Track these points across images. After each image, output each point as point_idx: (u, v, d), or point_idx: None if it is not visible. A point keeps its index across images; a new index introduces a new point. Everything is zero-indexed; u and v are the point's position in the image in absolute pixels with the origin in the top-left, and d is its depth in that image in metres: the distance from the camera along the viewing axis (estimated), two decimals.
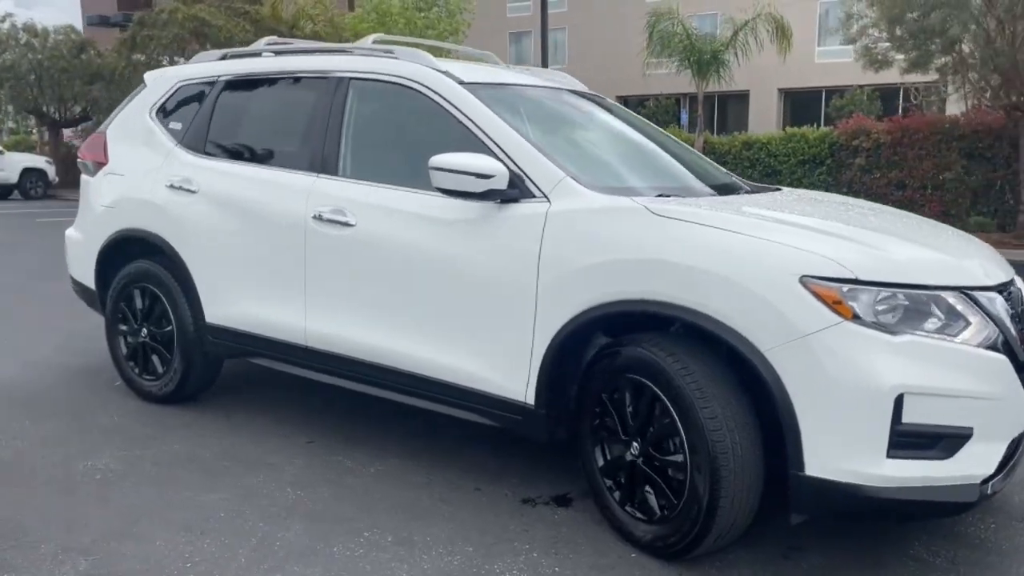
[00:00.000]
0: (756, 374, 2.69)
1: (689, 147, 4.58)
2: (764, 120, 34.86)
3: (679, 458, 2.83)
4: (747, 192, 3.91)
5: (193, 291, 4.25)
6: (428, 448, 3.96)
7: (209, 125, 4.36)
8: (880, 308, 2.64)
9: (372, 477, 3.64)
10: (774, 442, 2.75)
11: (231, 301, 4.12)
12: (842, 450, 2.61)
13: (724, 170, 4.43)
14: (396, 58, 3.86)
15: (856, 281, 2.64)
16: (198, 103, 4.44)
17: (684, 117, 37.71)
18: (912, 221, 3.57)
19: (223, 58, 4.61)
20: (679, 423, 2.81)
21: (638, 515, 3.02)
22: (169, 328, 4.41)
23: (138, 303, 4.54)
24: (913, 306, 2.67)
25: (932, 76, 14.08)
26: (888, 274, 2.70)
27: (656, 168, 4.01)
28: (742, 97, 36.71)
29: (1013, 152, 12.94)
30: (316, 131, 3.91)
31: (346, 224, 3.64)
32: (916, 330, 2.64)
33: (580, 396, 3.19)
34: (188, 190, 4.24)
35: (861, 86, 29.41)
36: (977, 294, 2.77)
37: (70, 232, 5.01)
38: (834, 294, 2.63)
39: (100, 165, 4.74)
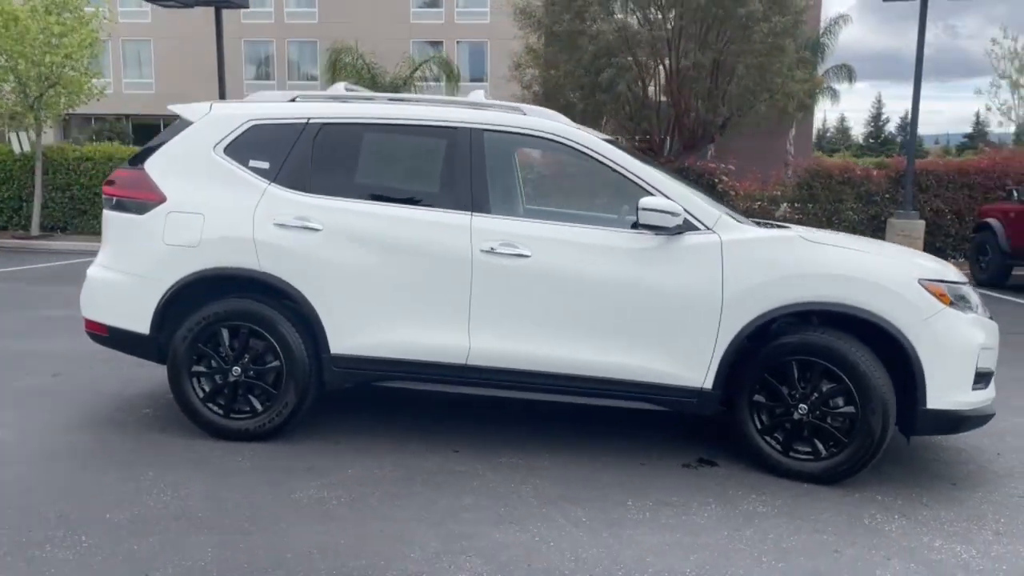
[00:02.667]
0: (897, 345, 4.06)
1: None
2: None
3: (851, 409, 4.09)
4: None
5: (314, 324, 4.41)
6: (577, 444, 4.68)
7: (311, 165, 4.53)
8: (955, 297, 4.19)
9: (561, 469, 4.30)
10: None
11: (367, 331, 4.40)
12: (949, 389, 4.10)
13: None
14: (525, 114, 4.57)
15: (943, 281, 4.17)
16: (284, 143, 4.56)
17: None
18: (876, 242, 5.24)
19: (293, 100, 4.76)
20: (852, 386, 4.07)
21: (802, 457, 4.21)
22: (274, 364, 4.47)
23: (228, 342, 4.49)
24: (962, 294, 4.26)
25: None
26: (948, 276, 4.27)
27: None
28: None
29: None
30: (459, 175, 4.42)
31: (520, 255, 4.27)
32: (969, 309, 4.23)
33: (743, 378, 4.27)
34: (309, 228, 4.40)
35: None
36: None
37: (101, 274, 4.65)
38: (939, 289, 4.13)
39: (148, 202, 4.55)
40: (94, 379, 5.84)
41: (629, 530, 3.60)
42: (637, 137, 15.80)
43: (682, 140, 16.69)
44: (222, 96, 16.37)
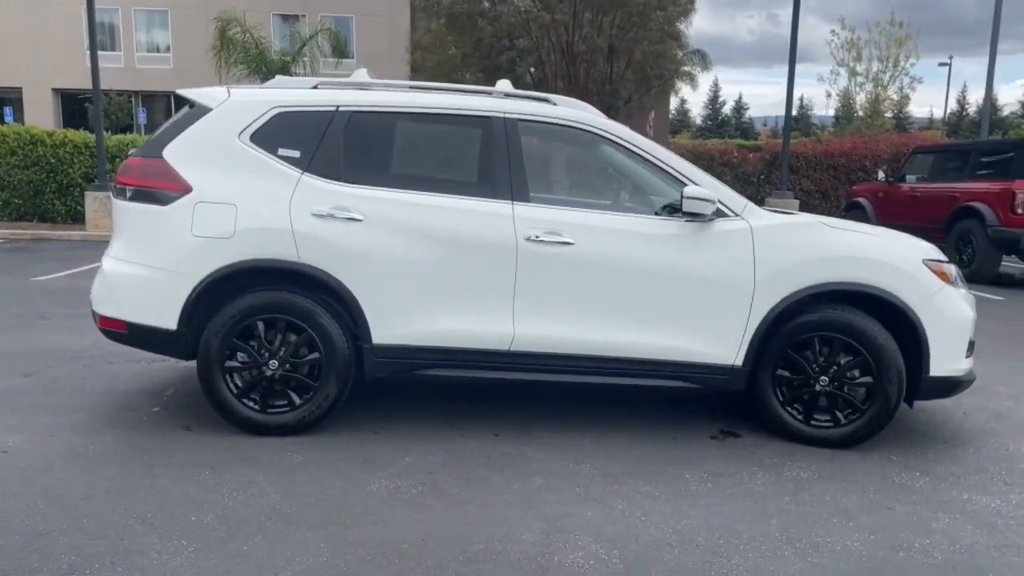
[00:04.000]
0: (906, 319, 4.49)
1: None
2: None
3: (869, 379, 4.49)
4: None
5: (356, 314, 4.39)
6: (606, 422, 4.86)
7: (344, 154, 4.48)
8: (952, 275, 4.66)
9: (604, 447, 4.49)
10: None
11: (410, 320, 4.42)
12: (948, 357, 4.58)
13: None
14: (555, 104, 4.69)
15: (941, 261, 4.64)
16: (314, 131, 4.48)
17: (143, 116, 36.37)
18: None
19: (315, 87, 4.67)
20: (870, 358, 4.47)
21: (824, 425, 4.59)
22: (314, 356, 4.42)
23: (263, 336, 4.39)
24: (955, 273, 4.74)
25: None
26: (942, 256, 4.74)
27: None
28: None
29: None
30: (498, 163, 4.49)
31: (565, 243, 4.40)
32: (960, 286, 4.72)
33: (768, 354, 4.59)
34: (350, 218, 4.35)
35: None
36: None
37: (120, 268, 4.42)
38: (941, 268, 4.59)
39: (172, 192, 4.36)
40: (74, 378, 5.52)
41: (703, 500, 3.84)
42: None
43: None
44: (95, 68, 15.44)
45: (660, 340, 4.50)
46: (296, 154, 4.46)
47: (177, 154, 4.43)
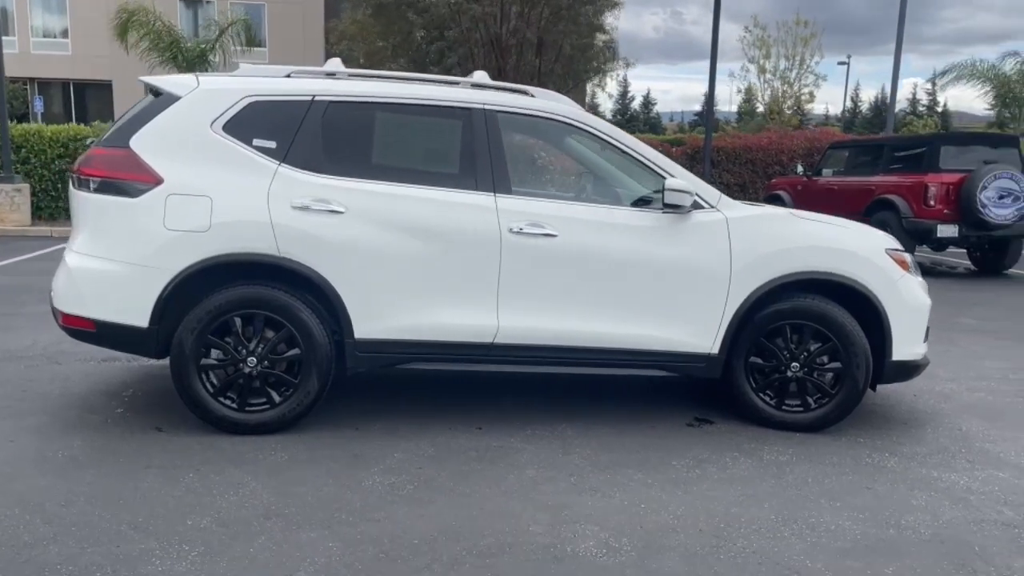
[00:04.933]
0: (871, 307, 4.67)
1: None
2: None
3: (838, 365, 4.66)
4: None
5: (337, 309, 4.30)
6: (582, 412, 4.89)
7: (322, 144, 4.38)
8: (910, 264, 4.87)
9: (588, 437, 4.53)
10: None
11: (392, 314, 4.36)
12: (909, 342, 4.79)
13: None
14: (533, 96, 4.69)
15: (900, 250, 4.84)
16: (290, 121, 4.37)
17: (39, 105, 34.70)
18: None
19: (288, 76, 4.55)
20: (839, 344, 4.63)
21: (795, 410, 4.74)
22: (294, 352, 4.31)
23: (241, 332, 4.27)
24: (912, 261, 4.96)
25: None
26: (900, 246, 4.96)
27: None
28: (104, 86, 35.42)
29: None
30: (479, 155, 4.46)
31: (548, 235, 4.41)
32: (917, 274, 4.94)
33: (742, 342, 4.70)
34: (331, 210, 4.26)
35: None
36: None
37: (85, 263, 4.21)
38: (901, 257, 4.79)
39: (141, 184, 4.18)
40: (20, 379, 5.24)
41: (694, 486, 3.92)
42: None
43: None
44: None
45: (642, 330, 4.56)
46: (272, 145, 4.34)
47: (145, 144, 4.25)
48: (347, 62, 17.57)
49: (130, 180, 4.19)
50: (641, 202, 4.68)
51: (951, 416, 5.18)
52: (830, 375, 4.71)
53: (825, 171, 14.89)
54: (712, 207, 4.64)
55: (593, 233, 4.49)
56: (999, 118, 19.52)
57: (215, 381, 4.31)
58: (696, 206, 4.59)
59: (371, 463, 4.05)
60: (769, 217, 4.77)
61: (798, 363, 4.70)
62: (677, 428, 4.75)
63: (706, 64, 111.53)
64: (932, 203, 12.32)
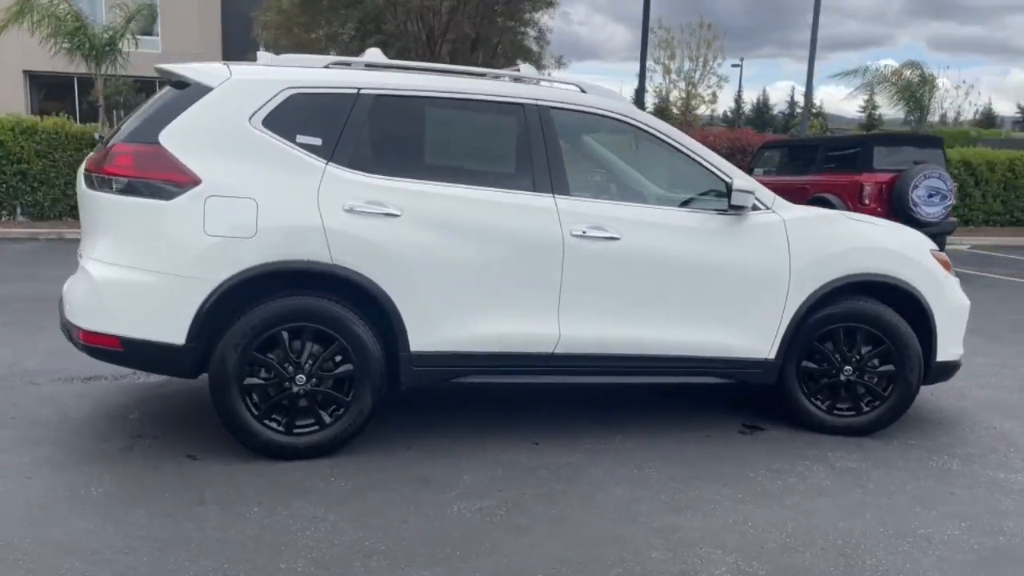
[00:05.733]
0: (920, 308, 4.65)
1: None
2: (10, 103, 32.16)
3: (890, 367, 4.62)
4: None
5: (393, 320, 3.96)
6: (634, 424, 4.68)
7: (371, 142, 4.03)
8: (951, 265, 4.88)
9: (652, 450, 4.34)
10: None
11: (450, 324, 4.05)
12: (951, 343, 4.80)
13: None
14: (585, 92, 4.45)
15: (941, 251, 4.85)
16: (334, 116, 3.99)
17: None
18: None
19: (326, 67, 4.17)
20: (893, 347, 4.59)
21: (846, 414, 4.67)
22: (346, 368, 3.95)
23: (288, 346, 3.87)
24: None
25: None
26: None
27: None
28: None
29: None
30: (535, 154, 4.20)
31: (611, 238, 4.19)
32: (954, 275, 4.95)
33: (795, 347, 4.60)
34: (386, 213, 3.92)
35: None
36: None
37: (112, 274, 3.73)
38: (944, 258, 4.80)
39: (176, 185, 3.74)
40: (2, 404, 4.65)
41: (786, 499, 3.78)
42: None
43: None
44: None
45: (703, 336, 4.40)
46: (317, 142, 3.95)
47: (176, 140, 3.80)
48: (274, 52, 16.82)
49: (163, 180, 3.74)
50: (691, 203, 4.52)
51: (977, 413, 5.22)
52: (882, 378, 4.66)
53: (757, 170, 15.17)
54: (768, 208, 4.52)
55: (655, 236, 4.30)
56: (905, 121, 20.48)
57: (258, 402, 3.91)
58: (753, 207, 4.46)
59: (444, 487, 3.74)
60: (824, 218, 4.70)
61: (851, 367, 4.63)
62: (731, 436, 4.61)
63: (596, 64, 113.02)
64: (867, 201, 12.70)
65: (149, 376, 5.17)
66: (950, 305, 4.75)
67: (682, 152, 4.48)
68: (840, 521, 3.56)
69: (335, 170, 3.93)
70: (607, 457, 4.19)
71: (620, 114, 4.42)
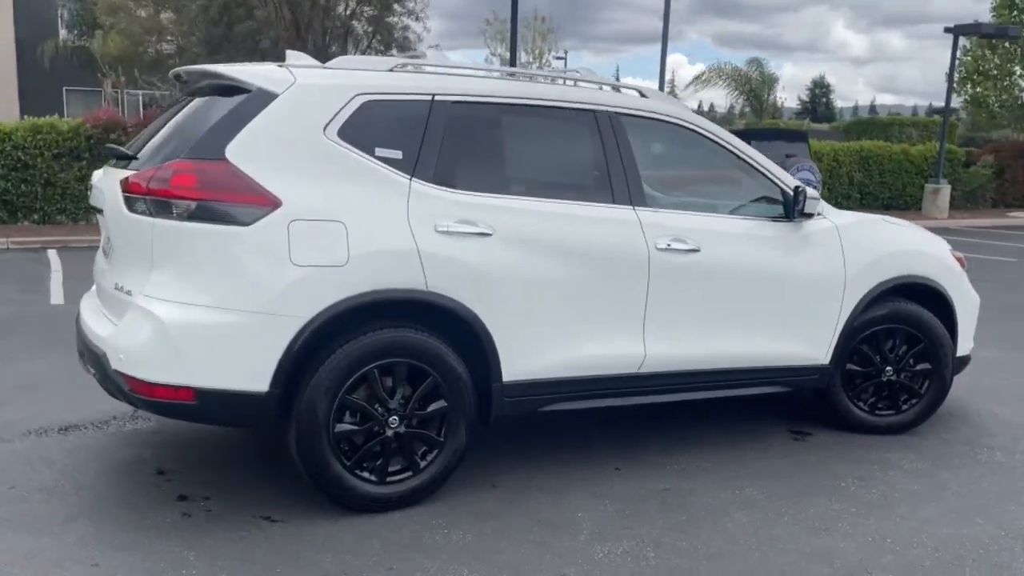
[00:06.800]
0: (947, 306, 4.83)
1: None
2: None
3: (927, 365, 4.76)
4: None
5: (487, 349, 3.62)
6: (692, 438, 4.54)
7: (451, 154, 3.64)
8: (964, 263, 5.10)
9: (729, 467, 4.23)
10: None
11: (541, 350, 3.76)
12: (967, 338, 5.03)
13: None
14: (646, 96, 4.26)
15: (954, 249, 5.07)
16: (411, 126, 3.58)
17: None
18: None
19: (391, 70, 3.72)
20: (930, 345, 4.73)
21: (886, 413, 4.78)
22: (439, 405, 3.57)
23: (380, 385, 3.44)
24: None
25: None
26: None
27: None
28: None
29: None
30: (611, 163, 3.97)
31: (692, 251, 4.04)
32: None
33: (844, 350, 4.64)
34: (479, 233, 3.56)
35: None
36: None
37: (185, 316, 3.14)
38: (960, 256, 5.01)
39: (253, 207, 3.22)
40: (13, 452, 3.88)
41: (894, 509, 3.78)
42: None
43: None
44: None
45: (776, 346, 4.36)
46: (398, 155, 3.53)
47: (244, 155, 3.27)
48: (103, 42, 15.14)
49: (238, 203, 3.21)
50: (742, 209, 4.45)
51: (986, 404, 5.36)
52: (918, 376, 4.79)
53: None
54: (820, 214, 4.52)
55: (731, 246, 4.20)
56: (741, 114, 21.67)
57: (348, 451, 3.46)
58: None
59: (569, 530, 3.46)
60: (869, 223, 4.76)
61: (891, 367, 4.73)
62: (787, 444, 4.60)
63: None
64: None
65: (136, 420, 4.51)
66: (968, 302, 4.96)
67: (741, 158, 4.38)
68: (962, 528, 3.60)
69: (420, 186, 3.53)
70: (697, 478, 4.05)
71: (681, 119, 4.26)
